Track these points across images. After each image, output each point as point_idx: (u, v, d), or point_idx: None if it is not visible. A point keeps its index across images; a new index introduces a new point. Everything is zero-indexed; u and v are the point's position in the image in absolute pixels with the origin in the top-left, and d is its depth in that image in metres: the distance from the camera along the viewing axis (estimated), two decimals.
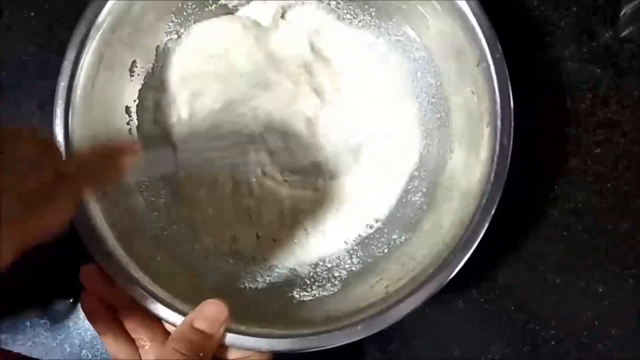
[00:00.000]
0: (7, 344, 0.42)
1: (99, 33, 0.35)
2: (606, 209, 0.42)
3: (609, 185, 0.42)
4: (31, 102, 0.44)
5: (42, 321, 0.43)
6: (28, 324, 0.43)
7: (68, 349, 0.43)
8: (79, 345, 0.43)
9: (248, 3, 0.42)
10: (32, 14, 0.45)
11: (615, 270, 0.42)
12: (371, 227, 0.41)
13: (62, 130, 0.35)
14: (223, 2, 0.41)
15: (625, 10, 0.41)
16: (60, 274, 0.43)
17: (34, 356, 0.42)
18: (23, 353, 0.42)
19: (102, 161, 0.28)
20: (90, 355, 0.43)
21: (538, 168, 0.42)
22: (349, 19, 0.42)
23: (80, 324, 0.43)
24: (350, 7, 0.42)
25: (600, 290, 0.42)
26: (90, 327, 0.43)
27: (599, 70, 0.43)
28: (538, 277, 0.42)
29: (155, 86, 0.41)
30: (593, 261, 0.42)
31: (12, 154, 0.24)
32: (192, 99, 0.41)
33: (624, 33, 0.41)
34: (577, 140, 0.43)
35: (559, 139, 0.43)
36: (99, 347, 0.43)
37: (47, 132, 0.35)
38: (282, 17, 0.42)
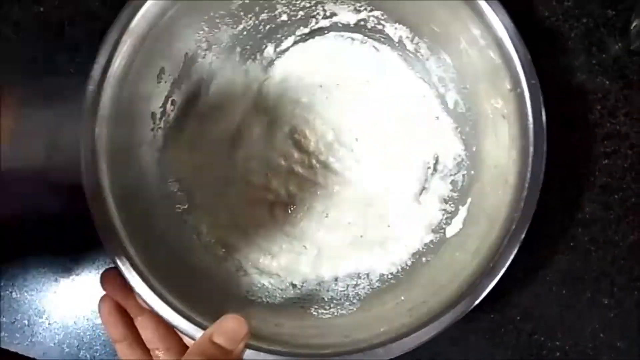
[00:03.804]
0: (4, 343, 0.42)
1: (131, 39, 0.35)
2: (613, 220, 0.42)
3: (616, 196, 0.42)
4: (39, 99, 0.44)
5: (40, 320, 0.43)
6: (26, 322, 0.42)
7: (66, 350, 0.42)
8: (77, 346, 0.43)
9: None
10: (42, 9, 0.45)
11: (621, 281, 0.42)
12: (396, 259, 0.41)
13: (90, 134, 0.34)
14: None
15: (636, 23, 0.41)
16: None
17: (31, 356, 0.41)
18: (20, 352, 0.41)
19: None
20: (88, 356, 0.42)
21: (545, 178, 0.42)
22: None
23: (80, 324, 0.43)
24: (382, 26, 0.41)
25: (606, 301, 0.42)
26: (89, 327, 0.43)
27: (607, 82, 0.43)
28: (544, 287, 0.42)
29: (182, 93, 0.41)
30: (599, 272, 0.42)
31: None
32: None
33: (634, 46, 0.42)
34: (585, 151, 0.43)
35: (566, 149, 0.43)
36: (97, 347, 0.42)
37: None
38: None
